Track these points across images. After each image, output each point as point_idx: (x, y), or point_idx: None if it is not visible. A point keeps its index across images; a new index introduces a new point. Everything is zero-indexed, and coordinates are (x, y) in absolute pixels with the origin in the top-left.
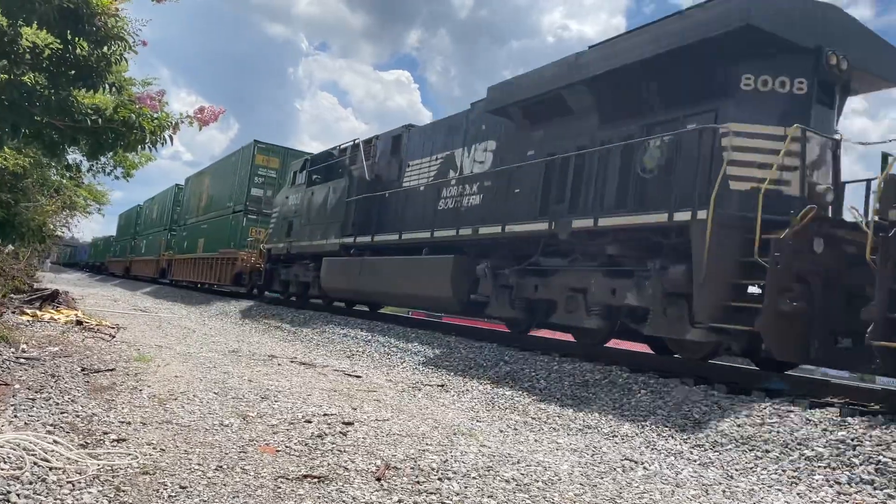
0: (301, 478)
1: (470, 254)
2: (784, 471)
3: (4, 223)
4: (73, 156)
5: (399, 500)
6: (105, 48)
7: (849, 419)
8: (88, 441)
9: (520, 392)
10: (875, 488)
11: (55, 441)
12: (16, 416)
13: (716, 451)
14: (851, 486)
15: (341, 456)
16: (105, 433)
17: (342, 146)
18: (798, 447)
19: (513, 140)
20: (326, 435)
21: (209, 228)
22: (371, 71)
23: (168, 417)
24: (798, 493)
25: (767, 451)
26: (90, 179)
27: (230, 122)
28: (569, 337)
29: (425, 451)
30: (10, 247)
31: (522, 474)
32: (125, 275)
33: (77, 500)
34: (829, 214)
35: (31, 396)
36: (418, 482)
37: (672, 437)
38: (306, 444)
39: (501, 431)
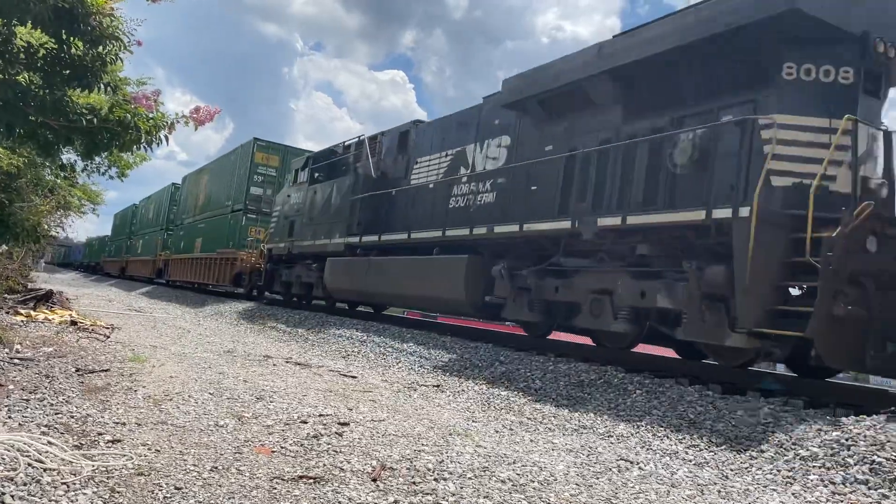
0: (297, 478)
1: (484, 254)
2: (779, 471)
3: None
4: (68, 155)
5: (395, 501)
6: (100, 48)
7: (843, 419)
8: (83, 442)
9: (515, 392)
10: (869, 488)
11: (50, 442)
12: (10, 417)
13: (711, 451)
14: (846, 486)
15: (337, 456)
16: (100, 434)
17: (346, 143)
18: (793, 447)
19: (529, 135)
20: (322, 435)
21: (207, 228)
22: (366, 71)
23: (163, 418)
24: (793, 493)
25: (762, 451)
26: (84, 179)
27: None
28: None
29: (421, 452)
30: (4, 247)
31: (518, 475)
32: (121, 275)
33: (72, 501)
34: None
35: (25, 397)
36: (414, 483)
37: (667, 437)
38: (302, 445)
39: (497, 432)
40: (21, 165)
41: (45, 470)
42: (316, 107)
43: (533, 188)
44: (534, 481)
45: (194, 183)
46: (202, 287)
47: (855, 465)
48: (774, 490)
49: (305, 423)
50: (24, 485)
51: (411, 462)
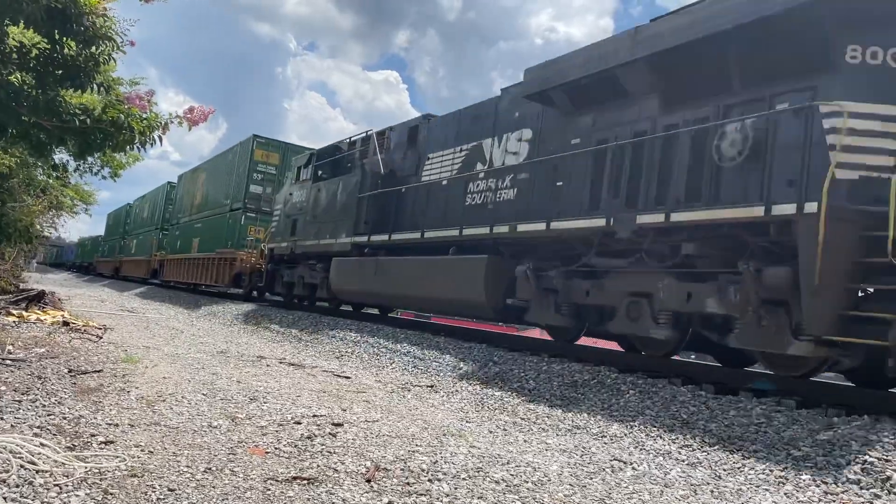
0: (290, 479)
1: (504, 254)
2: (771, 471)
3: None
4: (60, 155)
5: (389, 502)
6: (93, 48)
7: (835, 419)
8: (76, 443)
9: (509, 393)
10: (861, 488)
11: (42, 443)
12: (2, 419)
13: (704, 451)
14: (838, 486)
15: (331, 457)
16: (92, 435)
17: (351, 139)
18: (785, 447)
19: (554, 128)
20: (316, 436)
21: (205, 227)
22: (360, 71)
23: (156, 419)
24: (785, 493)
25: (755, 451)
26: (77, 179)
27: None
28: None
29: (415, 453)
30: None
31: (512, 475)
32: (115, 275)
33: (64, 503)
34: None
35: (17, 398)
36: (408, 483)
37: (661, 438)
38: (296, 446)
39: (491, 432)
40: (13, 165)
41: (37, 471)
42: (310, 107)
43: (559, 184)
44: (528, 482)
45: (191, 181)
46: (197, 288)
47: (847, 465)
48: (767, 490)
49: (299, 423)
50: (17, 486)
51: (405, 463)
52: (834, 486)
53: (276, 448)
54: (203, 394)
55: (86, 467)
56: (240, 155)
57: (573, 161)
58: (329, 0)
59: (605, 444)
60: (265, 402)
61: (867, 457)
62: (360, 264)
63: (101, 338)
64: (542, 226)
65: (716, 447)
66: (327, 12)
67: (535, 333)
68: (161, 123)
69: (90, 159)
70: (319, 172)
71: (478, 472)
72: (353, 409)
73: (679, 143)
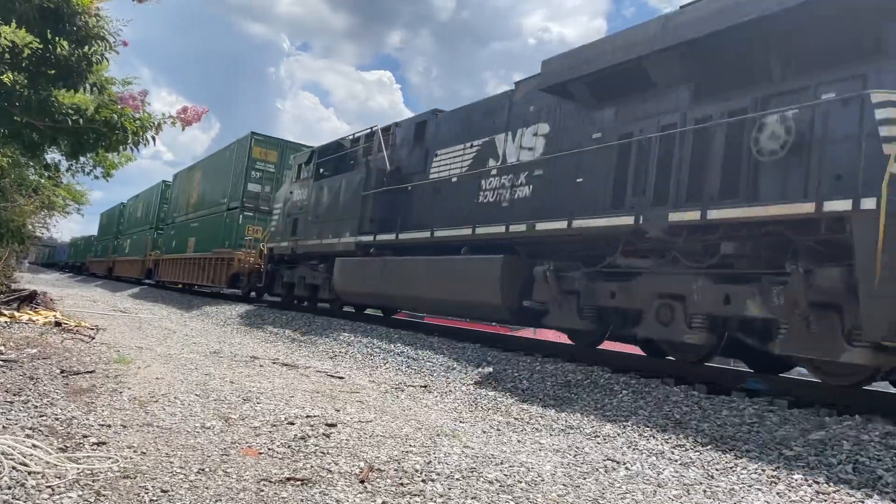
0: (284, 480)
1: (520, 253)
2: (763, 470)
3: None
4: (52, 155)
5: (383, 503)
6: (86, 48)
7: (827, 419)
8: (68, 444)
9: (502, 393)
10: (853, 487)
11: (34, 445)
12: None
13: (696, 451)
14: (830, 486)
15: (324, 458)
16: (85, 436)
17: (355, 135)
18: (777, 447)
19: (573, 122)
20: (309, 437)
21: (201, 227)
22: (353, 71)
23: (149, 420)
24: (777, 493)
25: (747, 451)
26: (69, 179)
27: (212, 121)
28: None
29: (409, 453)
30: None
31: (506, 475)
32: (108, 276)
33: None
34: None
35: (8, 399)
36: (402, 484)
37: (653, 437)
38: (289, 447)
39: (485, 432)
40: (5, 165)
41: (29, 473)
42: (303, 107)
43: (578, 180)
44: (521, 482)
45: (187, 180)
46: (192, 289)
47: (839, 464)
48: (759, 490)
49: (293, 424)
50: (9, 488)
51: (399, 463)
52: (826, 485)
53: (269, 449)
54: (196, 394)
55: (78, 468)
56: (237, 153)
57: (594, 156)
58: (322, 0)
59: (599, 443)
60: (258, 403)
61: (859, 457)
62: (366, 264)
63: (93, 338)
64: (562, 224)
65: (708, 447)
66: (320, 12)
67: (528, 333)
68: (154, 124)
69: (82, 159)
70: (321, 170)
71: (471, 472)
72: (347, 409)
73: (713, 136)
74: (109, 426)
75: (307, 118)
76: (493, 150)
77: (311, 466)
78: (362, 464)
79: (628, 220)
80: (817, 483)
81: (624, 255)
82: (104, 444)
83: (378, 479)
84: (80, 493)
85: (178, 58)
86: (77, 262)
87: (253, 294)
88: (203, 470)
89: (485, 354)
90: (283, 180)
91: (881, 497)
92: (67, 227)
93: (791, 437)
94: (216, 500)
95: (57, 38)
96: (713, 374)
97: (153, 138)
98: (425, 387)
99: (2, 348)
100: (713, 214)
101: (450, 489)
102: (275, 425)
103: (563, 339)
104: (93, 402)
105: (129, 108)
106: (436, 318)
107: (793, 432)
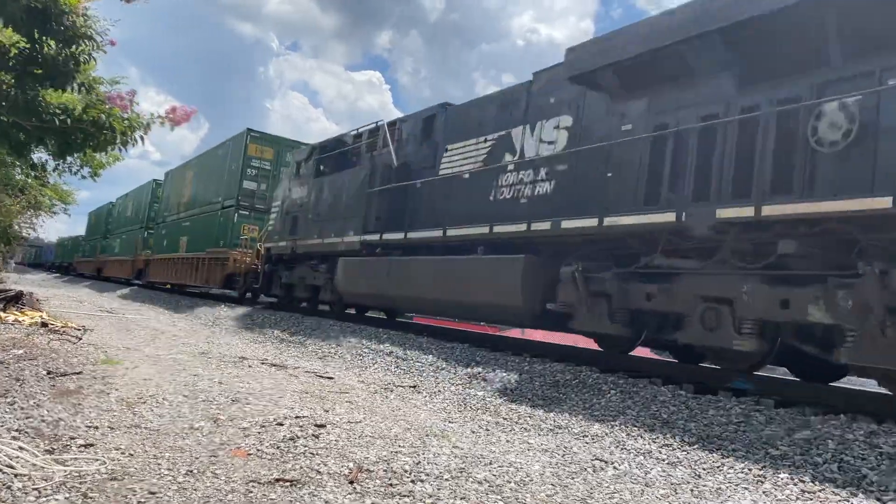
0: (273, 482)
1: (542, 253)
2: (750, 469)
3: None
4: (39, 155)
5: (372, 503)
6: (73, 47)
7: (812, 418)
8: (55, 446)
9: (491, 393)
10: (838, 486)
11: (20, 447)
12: None
13: (684, 451)
14: (815, 485)
15: (314, 459)
16: (72, 438)
17: (358, 131)
18: (763, 446)
19: (599, 113)
20: (298, 438)
21: (194, 226)
22: (342, 71)
23: (136, 421)
24: (764, 492)
25: (734, 451)
26: (56, 179)
27: (200, 121)
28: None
29: (398, 453)
30: None
31: (495, 475)
32: (97, 276)
33: None
34: None
35: None
36: (391, 484)
37: (641, 437)
38: (278, 448)
39: (473, 432)
40: None
41: (15, 475)
42: (292, 107)
43: (607, 175)
44: (510, 482)
45: (179, 179)
46: (184, 290)
47: (824, 463)
48: (746, 489)
49: (282, 425)
50: None
51: (388, 464)
52: (811, 484)
53: (258, 450)
54: (184, 395)
55: (65, 471)
56: (232, 150)
57: (625, 150)
58: (312, 0)
59: (587, 443)
60: (247, 404)
61: (843, 455)
62: (372, 264)
63: (80, 339)
64: (591, 222)
65: (695, 446)
66: (310, 12)
67: (516, 334)
68: (143, 124)
69: (69, 159)
70: (322, 167)
71: (461, 472)
72: (336, 410)
73: (762, 126)
74: (97, 428)
75: (296, 118)
76: (510, 144)
77: (301, 467)
78: (351, 464)
79: (669, 217)
80: (803, 482)
81: (664, 254)
82: (91, 445)
83: (367, 480)
84: (68, 495)
85: (166, 57)
86: (64, 262)
87: (249, 295)
88: (191, 471)
89: (473, 354)
90: (279, 178)
91: (866, 496)
92: (54, 227)
93: (777, 436)
94: (205, 502)
95: (44, 38)
96: (700, 374)
97: (142, 138)
98: (414, 387)
99: None
100: (769, 210)
101: (439, 490)
102: (264, 426)
103: (551, 338)
104: (80, 404)
105: (117, 107)
106: (424, 318)
107: (779, 431)
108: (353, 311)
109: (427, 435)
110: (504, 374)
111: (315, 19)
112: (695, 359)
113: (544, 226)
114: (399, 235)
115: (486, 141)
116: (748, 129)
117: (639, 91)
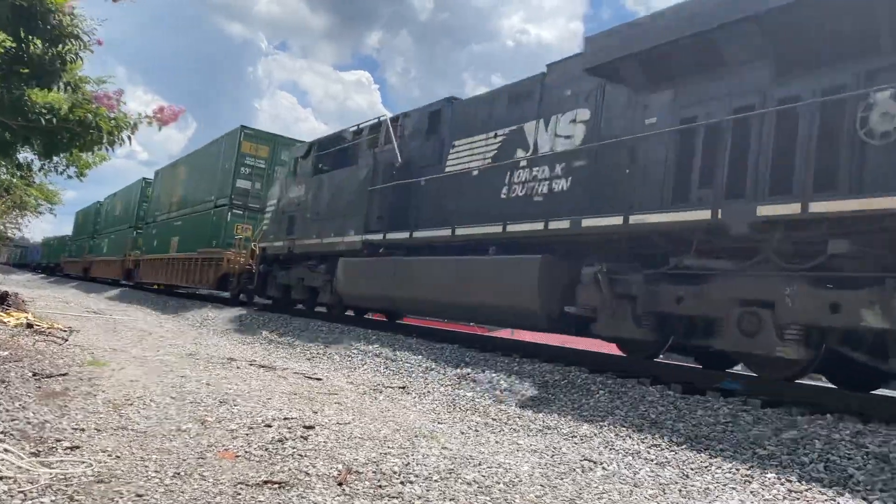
0: (261, 484)
1: (557, 253)
2: (738, 469)
3: None
4: (24, 154)
5: None
6: (59, 46)
7: (799, 419)
8: (41, 449)
9: (480, 393)
10: (824, 486)
11: (6, 449)
12: None
13: (672, 451)
14: (802, 484)
15: (302, 461)
16: (58, 440)
17: (358, 126)
18: (751, 446)
19: (620, 106)
20: (287, 439)
21: (186, 225)
22: (331, 71)
23: (123, 423)
24: (751, 492)
25: (722, 451)
26: (41, 179)
27: (188, 120)
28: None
29: (387, 455)
30: None
31: (484, 476)
32: (84, 277)
33: None
34: None
35: None
36: (380, 486)
37: (630, 437)
38: (266, 449)
39: (463, 433)
40: None
41: (0, 478)
42: (280, 106)
43: (628, 171)
44: (499, 483)
45: (169, 177)
46: (173, 291)
47: (811, 463)
48: (734, 489)
49: (270, 426)
50: None
51: (377, 465)
52: (798, 483)
53: (246, 452)
54: (172, 397)
55: (51, 473)
56: (225, 148)
57: (649, 144)
58: (301, 0)
59: (576, 444)
60: (235, 405)
61: (830, 455)
62: (374, 265)
63: (66, 340)
64: (616, 220)
65: (684, 446)
66: (299, 12)
67: (506, 334)
68: (130, 123)
69: (55, 159)
70: (320, 164)
71: (450, 473)
72: (325, 411)
73: (803, 118)
74: (83, 430)
75: (285, 118)
76: (523, 139)
77: (289, 469)
78: (340, 466)
79: (703, 215)
80: (790, 482)
81: (697, 254)
82: (78, 448)
83: (356, 482)
84: (54, 498)
85: (154, 56)
86: (50, 262)
87: (242, 297)
88: (179, 474)
89: (463, 355)
90: (274, 177)
91: (852, 495)
92: (39, 227)
93: (764, 436)
94: None
95: (30, 37)
96: (688, 374)
97: (129, 138)
98: (403, 388)
99: None
100: (817, 207)
101: (428, 491)
102: (252, 428)
103: (539, 339)
104: (66, 406)
105: (103, 107)
106: (414, 319)
107: (766, 431)
108: (351, 314)
109: (416, 436)
110: (493, 375)
111: (304, 19)
112: (723, 365)
113: (563, 224)
114: (404, 235)
115: (496, 136)
116: (788, 121)
117: (664, 83)
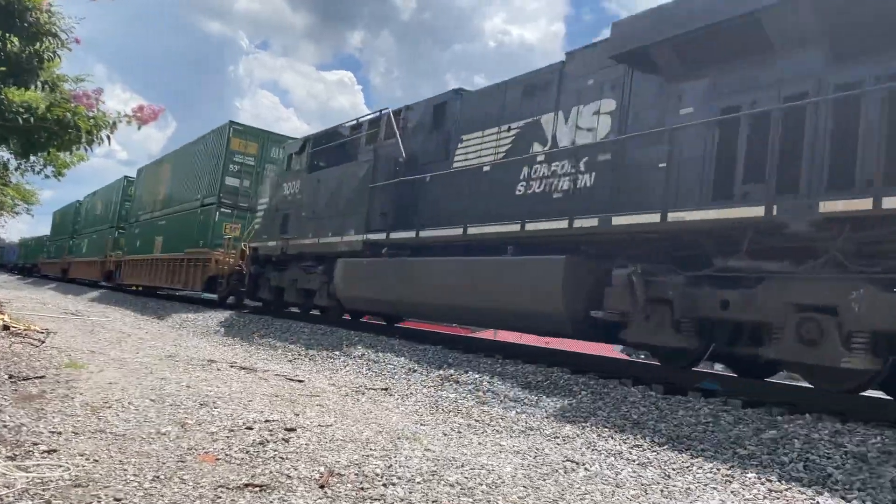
0: (242, 487)
1: (582, 254)
2: (718, 469)
3: None
4: (1, 154)
5: None
6: (37, 44)
7: (779, 419)
8: (17, 453)
9: (463, 395)
10: (804, 485)
11: None
12: None
13: (654, 451)
14: (782, 484)
15: (284, 463)
16: (34, 444)
17: (358, 120)
18: (732, 446)
19: (651, 96)
20: (268, 442)
21: (170, 225)
22: (313, 71)
23: (102, 426)
24: (732, 491)
25: (703, 451)
26: (18, 178)
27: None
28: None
29: (369, 457)
30: None
31: (467, 478)
32: (62, 278)
33: None
34: None
35: None
36: (362, 488)
37: (612, 438)
38: (247, 452)
39: (445, 435)
40: None
41: None
42: (262, 106)
43: (661, 165)
44: (482, 484)
45: (152, 175)
46: (154, 293)
47: (790, 463)
48: (715, 489)
49: (251, 429)
50: None
51: (359, 467)
52: (778, 483)
53: (227, 454)
54: (151, 399)
55: (27, 477)
56: (213, 144)
57: (686, 136)
58: None
59: (558, 445)
60: (216, 408)
61: (809, 455)
62: (376, 266)
63: (43, 342)
64: (652, 218)
65: (665, 447)
66: (280, 11)
67: (489, 335)
68: (109, 123)
69: (33, 158)
70: (316, 161)
71: (432, 475)
72: (307, 413)
73: (866, 106)
74: (60, 433)
75: (266, 118)
76: (539, 132)
77: (270, 472)
78: (322, 468)
79: (756, 212)
80: (770, 481)
81: (747, 255)
82: (55, 451)
83: (338, 484)
84: (31, 502)
85: (133, 55)
86: (27, 263)
87: (232, 299)
88: (158, 477)
89: (446, 356)
90: (264, 174)
91: (831, 494)
92: (16, 228)
93: (745, 436)
94: None
95: (7, 35)
96: (669, 374)
97: (108, 137)
98: (386, 389)
99: None
100: (893, 203)
101: (411, 493)
102: (232, 430)
103: (525, 340)
104: (43, 409)
105: (82, 106)
106: (411, 322)
107: (746, 431)
108: (347, 318)
109: (399, 438)
110: (476, 376)
111: (285, 18)
112: (763, 375)
113: (591, 222)
114: (409, 234)
115: (509, 130)
116: (847, 110)
117: (700, 70)
